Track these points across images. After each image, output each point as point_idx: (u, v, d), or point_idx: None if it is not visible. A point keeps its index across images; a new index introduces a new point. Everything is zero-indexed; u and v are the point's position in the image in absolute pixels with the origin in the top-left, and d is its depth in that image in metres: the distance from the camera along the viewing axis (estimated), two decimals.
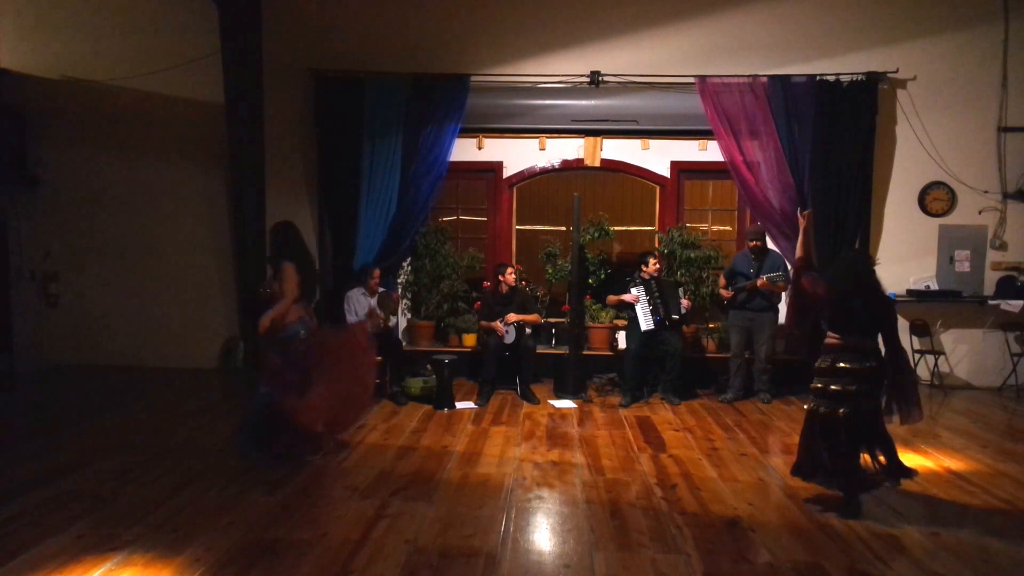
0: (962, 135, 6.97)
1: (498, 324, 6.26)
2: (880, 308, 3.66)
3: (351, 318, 6.05)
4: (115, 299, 7.47)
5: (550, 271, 7.14)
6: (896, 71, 6.76)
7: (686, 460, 4.57)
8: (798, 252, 3.88)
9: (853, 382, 3.58)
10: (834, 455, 3.61)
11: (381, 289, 6.28)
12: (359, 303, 6.11)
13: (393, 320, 6.36)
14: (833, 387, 3.61)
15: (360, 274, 6.35)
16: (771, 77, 6.73)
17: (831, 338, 3.70)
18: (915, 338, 6.82)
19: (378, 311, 6.09)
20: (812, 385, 3.72)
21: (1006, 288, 6.86)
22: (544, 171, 7.40)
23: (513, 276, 6.41)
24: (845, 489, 3.65)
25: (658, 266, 6.39)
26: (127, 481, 4.03)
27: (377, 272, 6.24)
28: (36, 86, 7.27)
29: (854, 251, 3.88)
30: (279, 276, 4.27)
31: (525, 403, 6.13)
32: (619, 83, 6.97)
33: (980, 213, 7.02)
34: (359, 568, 3.01)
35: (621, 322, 6.73)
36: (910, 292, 6.95)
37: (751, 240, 6.28)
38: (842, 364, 3.61)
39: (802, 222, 3.95)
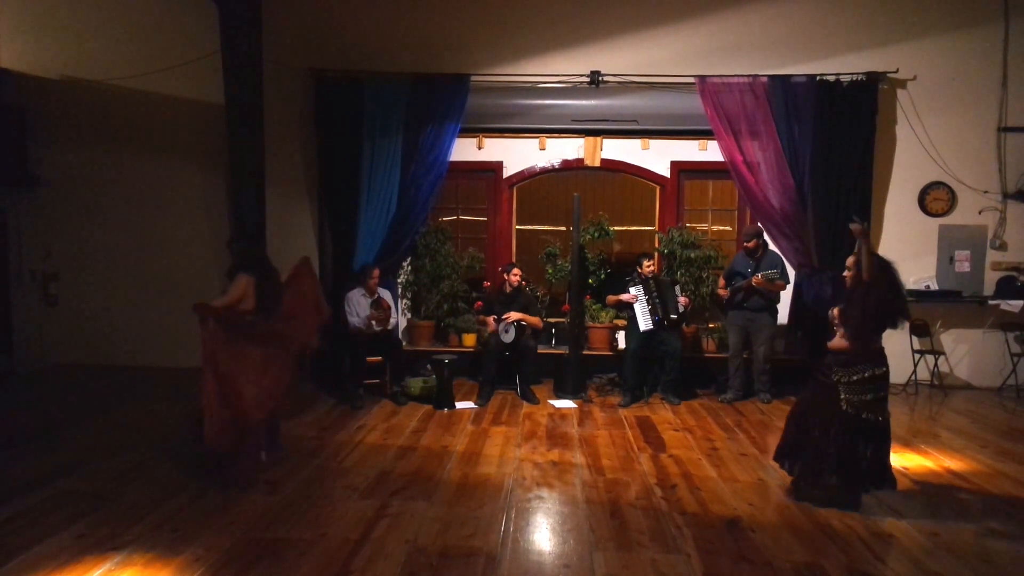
0: (962, 135, 6.96)
1: (491, 320, 6.27)
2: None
3: (352, 319, 6.05)
4: (115, 299, 7.46)
5: (550, 271, 7.14)
6: (896, 71, 6.76)
7: (686, 460, 4.57)
8: (865, 264, 3.68)
9: (885, 387, 3.74)
10: (850, 458, 3.67)
11: (381, 289, 6.27)
12: (359, 304, 6.11)
13: (393, 321, 6.32)
14: (876, 394, 3.69)
15: (360, 274, 6.34)
16: (771, 77, 6.73)
17: (867, 343, 3.70)
18: (915, 338, 6.82)
19: (373, 313, 6.06)
20: (858, 396, 3.68)
21: (1006, 288, 6.86)
22: (544, 171, 7.40)
23: (517, 278, 6.40)
24: (851, 484, 3.71)
25: (652, 267, 6.37)
26: (127, 481, 4.03)
27: (376, 272, 6.22)
28: (36, 86, 7.26)
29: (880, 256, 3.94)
30: (232, 283, 4.29)
31: (525, 403, 6.13)
32: (619, 83, 6.97)
33: (980, 213, 7.02)
34: (359, 568, 3.01)
35: (621, 322, 6.74)
36: (910, 292, 6.92)
37: (747, 241, 6.26)
38: (885, 369, 3.72)
39: (857, 231, 3.71)
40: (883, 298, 3.64)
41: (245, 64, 6.55)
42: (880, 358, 3.72)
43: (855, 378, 3.68)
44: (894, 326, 3.74)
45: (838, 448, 3.67)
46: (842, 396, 3.70)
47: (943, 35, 6.91)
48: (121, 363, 7.38)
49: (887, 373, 3.73)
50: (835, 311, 3.85)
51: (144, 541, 3.24)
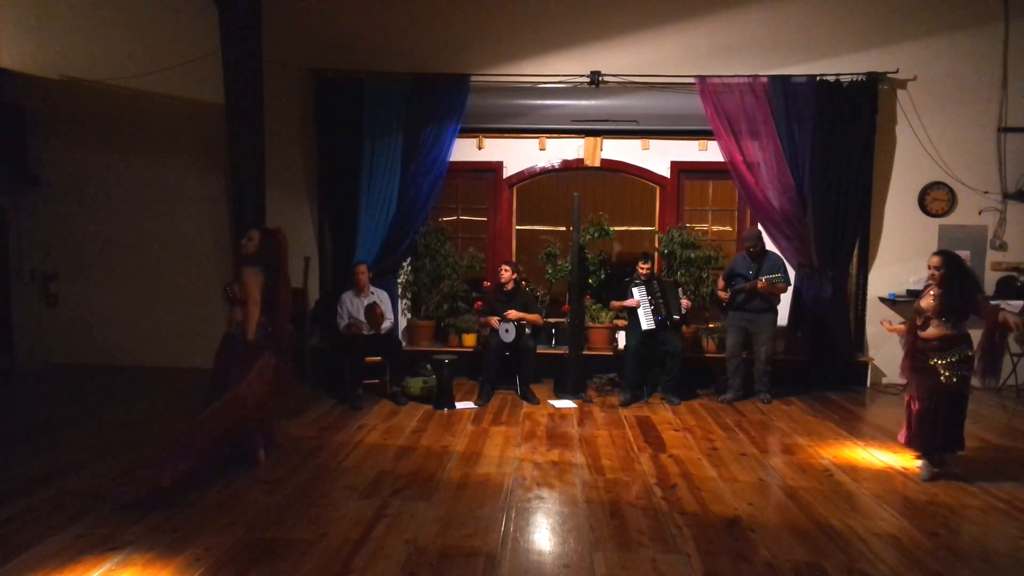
0: (962, 135, 6.96)
1: (493, 319, 6.26)
2: None
3: (342, 321, 6.04)
4: (115, 299, 7.46)
5: (550, 271, 7.13)
6: (896, 71, 6.76)
7: (686, 460, 4.57)
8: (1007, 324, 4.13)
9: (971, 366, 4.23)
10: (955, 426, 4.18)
11: (373, 290, 6.24)
12: (351, 304, 6.10)
13: (388, 324, 6.26)
14: (967, 372, 4.13)
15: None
16: (771, 77, 6.73)
17: (961, 328, 4.14)
18: None
19: (362, 319, 5.99)
20: (958, 373, 4.10)
21: (1006, 288, 6.85)
22: (544, 171, 7.40)
23: (507, 274, 6.35)
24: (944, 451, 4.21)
25: (648, 269, 6.32)
26: (127, 481, 4.03)
27: (362, 269, 6.16)
28: (36, 86, 7.26)
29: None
30: (239, 280, 4.21)
31: (525, 403, 6.13)
32: (619, 83, 6.97)
33: (980, 213, 7.02)
34: (359, 568, 3.01)
35: (621, 322, 6.73)
36: (910, 292, 6.93)
37: (748, 247, 6.22)
38: (973, 348, 4.18)
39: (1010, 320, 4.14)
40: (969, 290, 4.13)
41: (245, 64, 6.55)
42: (969, 339, 4.15)
43: (955, 359, 4.09)
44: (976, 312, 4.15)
45: (933, 419, 4.11)
46: (943, 374, 4.09)
47: (943, 35, 6.91)
48: (121, 363, 7.39)
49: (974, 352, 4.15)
50: (922, 303, 4.22)
51: (144, 541, 3.24)
